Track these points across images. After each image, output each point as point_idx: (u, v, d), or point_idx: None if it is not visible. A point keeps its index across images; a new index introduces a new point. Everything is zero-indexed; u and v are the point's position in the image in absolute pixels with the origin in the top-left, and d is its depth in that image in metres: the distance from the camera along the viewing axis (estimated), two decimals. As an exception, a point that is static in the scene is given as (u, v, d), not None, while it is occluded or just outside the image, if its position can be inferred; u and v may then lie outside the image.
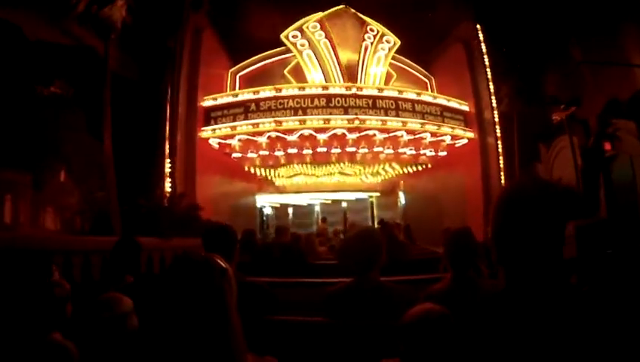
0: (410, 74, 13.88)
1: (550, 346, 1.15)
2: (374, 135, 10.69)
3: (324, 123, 10.28)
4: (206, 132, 11.17)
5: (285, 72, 12.28)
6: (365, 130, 10.45)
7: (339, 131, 10.36)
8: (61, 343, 2.00)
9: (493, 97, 12.42)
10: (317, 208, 19.92)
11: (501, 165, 12.21)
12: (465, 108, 12.52)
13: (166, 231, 6.66)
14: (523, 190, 1.32)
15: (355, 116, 10.16)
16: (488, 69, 12.65)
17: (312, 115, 10.21)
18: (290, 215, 20.54)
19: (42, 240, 4.88)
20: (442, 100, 11.94)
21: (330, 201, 19.19)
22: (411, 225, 9.09)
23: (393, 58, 13.33)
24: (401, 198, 17.00)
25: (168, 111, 10.56)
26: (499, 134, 12.41)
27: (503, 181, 12.07)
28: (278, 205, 20.12)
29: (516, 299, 1.23)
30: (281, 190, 15.81)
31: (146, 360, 1.63)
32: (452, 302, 1.81)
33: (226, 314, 1.38)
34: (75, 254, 4.45)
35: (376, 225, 10.12)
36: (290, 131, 10.44)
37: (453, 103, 12.18)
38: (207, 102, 11.38)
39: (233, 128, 10.84)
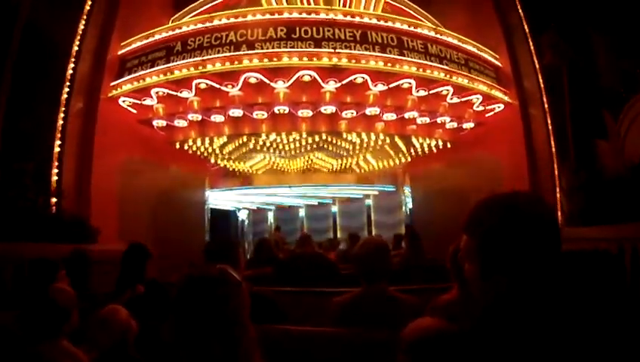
0: (416, 19, 9.97)
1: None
2: (365, 83, 6.74)
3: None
4: (123, 86, 7.33)
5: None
6: (347, 75, 6.56)
7: (306, 76, 6.46)
8: (69, 350, 1.98)
9: (531, 43, 8.50)
10: (302, 212, 16.28)
11: (552, 145, 8.24)
12: (486, 56, 8.51)
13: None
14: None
15: (333, 50, 6.28)
16: (520, 8, 8.75)
17: (263, 49, 6.34)
18: (270, 220, 17.02)
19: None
20: (452, 39, 7.85)
21: (316, 203, 15.60)
22: (425, 234, 5.89)
23: (393, -1, 9.58)
24: (408, 199, 12.90)
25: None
26: (546, 100, 8.51)
27: (556, 170, 8.12)
28: (254, 208, 16.55)
29: (508, 318, 1.13)
30: (244, 183, 11.90)
31: None
32: (459, 313, 1.83)
33: (242, 327, 1.41)
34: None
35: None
36: (232, 79, 6.58)
37: (470, 47, 8.18)
38: (134, 44, 7.57)
39: (167, 72, 6.92)
